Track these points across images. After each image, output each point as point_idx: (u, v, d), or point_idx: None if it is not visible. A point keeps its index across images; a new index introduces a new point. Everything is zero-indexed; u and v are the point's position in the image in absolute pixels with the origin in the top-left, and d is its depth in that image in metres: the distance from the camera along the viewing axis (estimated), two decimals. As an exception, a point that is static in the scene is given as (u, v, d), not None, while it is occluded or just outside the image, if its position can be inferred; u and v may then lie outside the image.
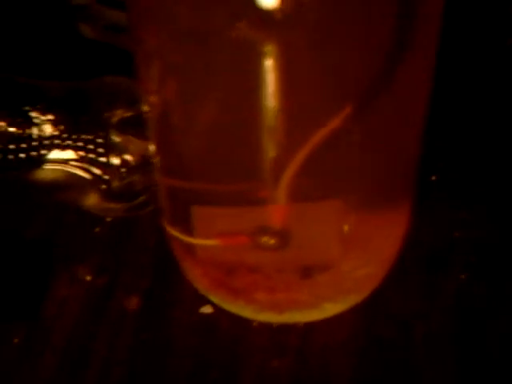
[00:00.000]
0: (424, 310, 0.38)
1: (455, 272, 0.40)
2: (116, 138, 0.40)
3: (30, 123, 0.40)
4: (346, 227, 0.34)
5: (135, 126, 0.40)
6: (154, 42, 0.30)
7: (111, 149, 0.39)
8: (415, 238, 0.40)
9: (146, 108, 0.33)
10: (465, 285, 0.39)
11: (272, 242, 0.33)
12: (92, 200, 0.40)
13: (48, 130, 0.39)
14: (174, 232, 0.36)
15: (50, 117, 0.39)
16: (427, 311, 0.38)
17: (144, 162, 0.40)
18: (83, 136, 0.39)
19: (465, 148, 0.46)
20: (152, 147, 0.35)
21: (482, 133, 0.47)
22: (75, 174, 0.39)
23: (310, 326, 0.37)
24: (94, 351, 0.36)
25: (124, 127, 0.41)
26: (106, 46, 0.49)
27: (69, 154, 0.39)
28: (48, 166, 0.39)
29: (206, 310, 0.38)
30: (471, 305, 0.38)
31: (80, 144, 0.38)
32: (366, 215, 0.35)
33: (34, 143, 0.39)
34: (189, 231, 0.35)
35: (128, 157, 0.40)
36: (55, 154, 0.39)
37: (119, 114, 0.41)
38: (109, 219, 0.42)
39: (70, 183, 0.39)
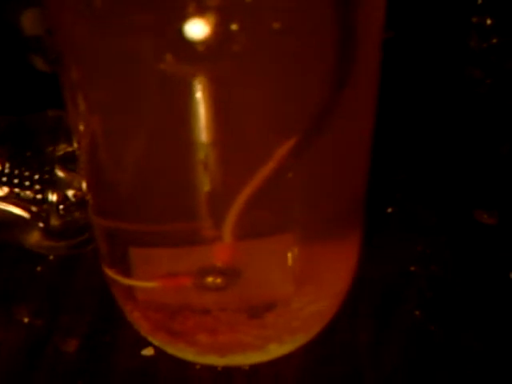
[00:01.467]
0: (376, 348, 0.36)
1: (409, 308, 0.38)
2: (60, 173, 0.39)
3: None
4: (295, 263, 0.33)
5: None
6: (77, 74, 0.28)
7: (50, 183, 0.38)
8: (368, 273, 0.39)
9: (75, 143, 0.32)
10: (419, 322, 0.38)
11: (218, 281, 0.32)
12: (33, 238, 0.39)
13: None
14: (112, 274, 0.35)
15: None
16: (379, 350, 0.36)
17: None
18: (21, 173, 0.37)
19: (422, 180, 0.45)
20: (84, 185, 0.33)
21: (438, 165, 0.46)
22: (12, 212, 0.37)
23: (256, 368, 0.35)
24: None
25: (67, 162, 0.39)
26: (50, 79, 0.48)
27: (4, 191, 0.37)
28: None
29: (148, 352, 0.36)
30: (425, 343, 0.37)
31: (16, 181, 0.37)
32: (315, 249, 0.34)
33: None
34: (127, 273, 0.34)
35: (70, 193, 0.39)
36: (-9, 192, 0.37)
37: (62, 148, 0.40)
38: (51, 257, 0.40)
39: (8, 221, 0.38)
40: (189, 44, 0.25)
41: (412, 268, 0.40)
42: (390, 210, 0.43)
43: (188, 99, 0.26)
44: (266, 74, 0.26)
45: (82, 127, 0.30)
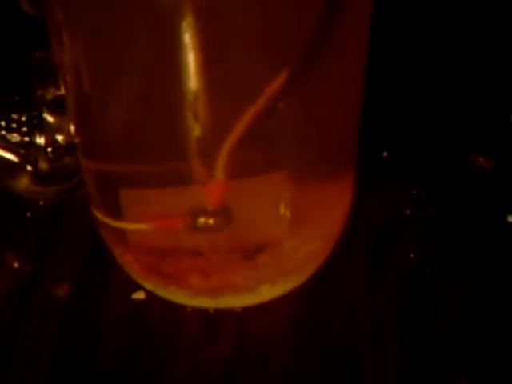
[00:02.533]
0: (370, 291, 0.36)
1: (404, 251, 0.38)
2: (49, 118, 0.38)
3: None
4: (288, 202, 0.32)
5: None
6: (62, 12, 0.27)
7: (38, 126, 0.37)
8: (363, 216, 0.38)
9: (63, 84, 0.31)
10: (414, 264, 0.37)
11: (210, 222, 0.31)
12: (22, 183, 0.38)
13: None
14: (103, 217, 0.34)
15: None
16: (373, 293, 0.36)
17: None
18: (7, 115, 0.36)
19: (417, 123, 0.44)
20: (72, 127, 0.33)
21: (434, 108, 0.45)
22: (1, 156, 0.37)
23: (248, 311, 0.35)
24: (18, 342, 0.34)
25: (57, 106, 0.39)
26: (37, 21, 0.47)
27: (-9, 135, 0.37)
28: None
29: (139, 295, 0.36)
30: (420, 285, 0.36)
31: (3, 123, 0.36)
32: (307, 189, 0.33)
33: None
34: (118, 216, 0.33)
35: (60, 137, 0.38)
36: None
37: (51, 92, 0.39)
38: (41, 203, 0.40)
39: (-2, 165, 0.37)
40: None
41: (407, 211, 0.40)
42: (385, 154, 0.43)
43: (178, 32, 0.25)
44: (255, 4, 0.25)
45: (68, 68, 0.29)
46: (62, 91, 0.39)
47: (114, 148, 0.31)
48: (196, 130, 0.28)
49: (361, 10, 0.29)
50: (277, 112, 0.28)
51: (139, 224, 0.33)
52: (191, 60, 0.26)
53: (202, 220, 0.31)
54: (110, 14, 0.26)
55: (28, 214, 0.39)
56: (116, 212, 0.33)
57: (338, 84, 0.30)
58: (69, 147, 0.38)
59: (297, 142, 0.30)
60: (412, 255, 0.37)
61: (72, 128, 0.33)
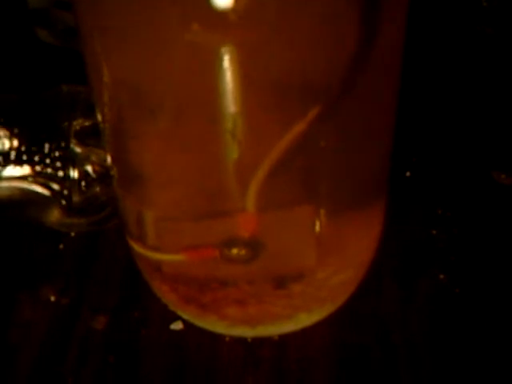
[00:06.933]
0: (402, 314, 0.37)
1: (434, 272, 0.38)
2: (76, 149, 0.39)
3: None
4: (319, 233, 0.33)
5: (96, 136, 0.38)
6: (101, 45, 0.28)
7: (71, 160, 0.37)
8: (391, 238, 0.39)
9: (99, 117, 0.32)
10: (444, 285, 0.38)
11: (243, 253, 0.32)
12: (53, 216, 0.38)
13: (3, 144, 0.37)
14: (139, 248, 0.35)
15: (5, 131, 0.38)
16: (405, 316, 0.36)
17: (106, 173, 0.38)
18: (40, 150, 0.37)
19: (438, 142, 0.45)
20: (108, 158, 0.33)
21: (456, 125, 0.45)
22: (33, 191, 0.37)
23: (285, 338, 0.35)
24: (61, 376, 0.35)
25: (84, 137, 0.39)
26: (62, 54, 0.47)
27: (25, 170, 0.37)
28: (4, 183, 0.37)
29: (177, 326, 0.36)
30: (451, 306, 0.37)
31: (37, 159, 0.37)
32: (339, 219, 0.33)
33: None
34: (154, 247, 0.34)
35: (89, 168, 0.38)
36: (11, 170, 0.37)
37: (79, 123, 0.39)
38: (73, 234, 0.40)
39: (29, 200, 0.38)
40: (215, 13, 0.24)
41: (433, 232, 0.40)
42: (408, 173, 0.43)
43: (214, 68, 0.26)
44: (293, 41, 0.26)
45: (106, 99, 0.30)
46: (90, 122, 0.40)
47: (151, 179, 0.32)
48: (231, 159, 0.29)
49: (394, 37, 0.30)
50: (310, 144, 0.29)
51: (174, 255, 0.34)
52: (229, 93, 0.27)
53: (235, 251, 0.32)
54: (150, 48, 0.26)
55: (61, 246, 0.40)
56: (151, 243, 0.34)
57: (370, 116, 0.31)
58: (100, 178, 0.38)
59: (329, 174, 0.31)
60: (442, 276, 0.38)
61: (108, 159, 0.33)
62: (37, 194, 0.38)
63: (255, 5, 0.24)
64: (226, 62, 0.25)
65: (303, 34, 0.25)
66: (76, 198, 0.38)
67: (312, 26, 0.25)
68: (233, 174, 0.30)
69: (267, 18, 0.25)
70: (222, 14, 0.24)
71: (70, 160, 0.37)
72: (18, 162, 0.37)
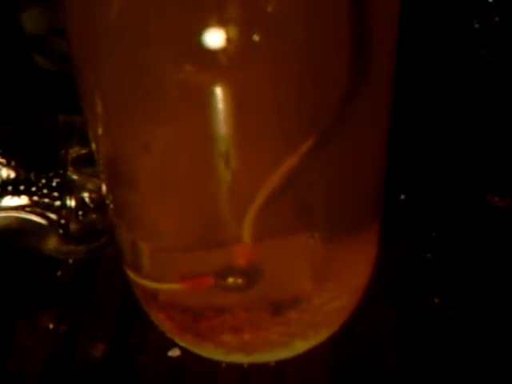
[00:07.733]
0: (397, 337, 0.37)
1: (428, 296, 0.39)
2: (73, 176, 0.39)
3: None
4: (315, 259, 0.33)
5: (92, 164, 0.39)
6: (95, 82, 0.28)
7: (68, 188, 0.38)
8: (386, 262, 0.39)
9: (93, 146, 0.32)
10: (439, 309, 0.38)
11: (239, 281, 0.32)
12: (51, 244, 0.39)
13: (1, 175, 0.38)
14: (135, 277, 0.35)
15: (2, 161, 0.38)
16: (400, 339, 0.37)
17: (103, 201, 0.38)
18: (38, 179, 0.37)
19: (432, 165, 0.45)
20: (103, 187, 0.33)
21: (450, 148, 0.46)
22: (31, 220, 0.38)
23: (282, 364, 0.36)
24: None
25: (80, 165, 0.39)
26: (60, 79, 0.48)
27: (23, 200, 0.37)
28: (1, 213, 0.37)
29: (174, 353, 0.36)
30: (445, 330, 0.37)
31: (34, 189, 0.37)
32: (334, 245, 0.34)
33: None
34: (150, 276, 0.34)
35: (86, 196, 0.39)
36: (8, 201, 0.37)
37: (75, 151, 0.40)
38: (71, 261, 0.40)
39: (26, 229, 0.38)
40: (207, 54, 0.25)
41: (428, 255, 0.41)
42: (402, 196, 0.43)
43: (207, 106, 0.26)
44: (284, 80, 0.26)
45: (100, 132, 0.30)
46: (86, 150, 0.40)
47: (146, 209, 0.32)
48: (226, 190, 0.29)
49: (385, 71, 0.30)
50: (304, 174, 0.29)
51: (170, 284, 0.34)
52: (222, 130, 0.27)
53: (231, 280, 0.32)
54: (143, 86, 0.27)
55: (59, 273, 0.40)
56: (147, 272, 0.34)
57: (365, 144, 0.31)
58: (96, 206, 0.38)
59: (324, 202, 0.31)
60: (436, 299, 0.38)
61: (103, 188, 0.34)
62: (34, 223, 0.38)
63: (245, 46, 0.24)
64: (219, 100, 0.26)
65: (293, 74, 0.26)
66: (73, 227, 0.38)
67: (302, 66, 0.26)
68: (228, 205, 0.30)
69: (258, 59, 0.25)
70: (213, 55, 0.25)
71: (67, 188, 0.38)
72: (16, 192, 0.37)
